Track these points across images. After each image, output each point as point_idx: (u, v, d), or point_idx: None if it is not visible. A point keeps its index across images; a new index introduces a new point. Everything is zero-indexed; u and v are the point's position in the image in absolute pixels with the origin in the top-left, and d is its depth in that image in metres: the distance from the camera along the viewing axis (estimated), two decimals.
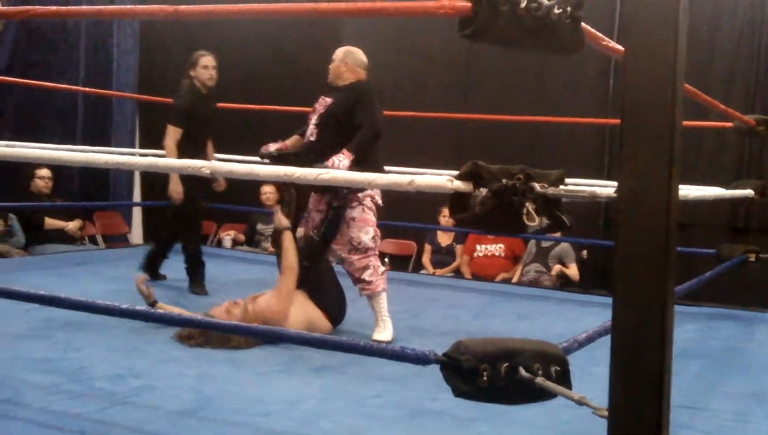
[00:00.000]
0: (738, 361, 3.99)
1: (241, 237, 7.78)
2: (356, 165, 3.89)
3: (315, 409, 2.97)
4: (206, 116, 5.29)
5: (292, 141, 4.44)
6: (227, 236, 7.79)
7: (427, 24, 6.67)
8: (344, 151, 3.97)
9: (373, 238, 4.19)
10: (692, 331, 4.56)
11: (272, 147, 4.36)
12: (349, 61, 4.26)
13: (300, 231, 4.51)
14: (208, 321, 3.26)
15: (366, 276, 4.13)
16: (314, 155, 4.05)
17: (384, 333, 4.11)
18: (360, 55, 4.31)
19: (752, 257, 4.90)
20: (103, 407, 2.85)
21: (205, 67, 5.18)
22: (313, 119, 4.24)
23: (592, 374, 2.22)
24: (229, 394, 3.08)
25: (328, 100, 4.22)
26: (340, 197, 4.07)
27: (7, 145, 5.04)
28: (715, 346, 4.25)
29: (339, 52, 4.32)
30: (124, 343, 3.67)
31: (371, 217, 4.19)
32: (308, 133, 4.25)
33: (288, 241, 4.11)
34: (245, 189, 6.88)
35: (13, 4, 7.19)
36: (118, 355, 3.50)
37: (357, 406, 3.02)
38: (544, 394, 1.85)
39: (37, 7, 2.64)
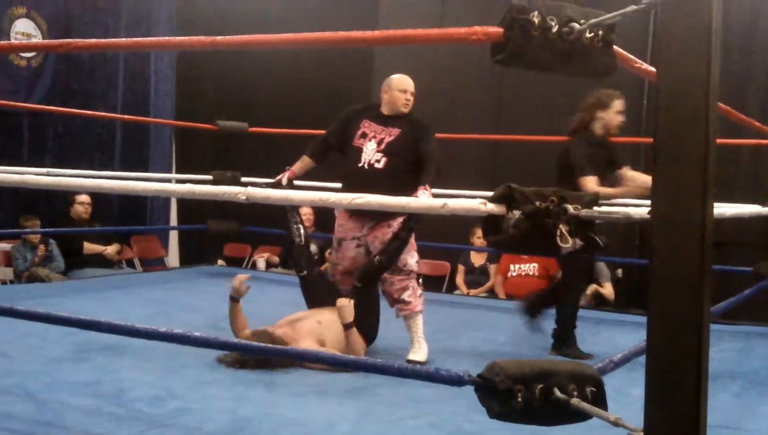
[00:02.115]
0: None
1: (276, 259, 7.84)
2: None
3: (351, 431, 2.98)
4: (610, 161, 4.48)
5: (300, 165, 4.51)
6: (261, 258, 7.86)
7: (459, 48, 6.70)
8: (426, 187, 3.97)
9: (417, 261, 4.26)
10: (730, 350, 4.50)
11: (284, 177, 4.44)
12: (414, 91, 4.30)
13: (330, 257, 4.51)
14: (246, 344, 3.30)
15: (405, 296, 4.16)
16: (386, 184, 4.02)
17: (419, 353, 4.11)
18: None
19: None
20: (142, 430, 2.88)
21: (619, 112, 4.42)
22: (373, 145, 4.19)
23: (629, 395, 2.22)
24: (265, 415, 3.10)
25: (393, 130, 4.21)
26: (407, 228, 4.11)
27: (48, 173, 5.15)
28: (753, 365, 4.19)
29: (409, 83, 4.29)
30: (161, 366, 3.71)
31: (414, 242, 4.25)
32: (368, 158, 4.19)
33: (355, 338, 3.97)
34: (280, 212, 6.94)
35: (55, 35, 7.39)
36: (156, 378, 3.55)
37: (392, 428, 3.02)
38: (580, 416, 1.85)
39: (77, 40, 2.71)
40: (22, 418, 2.94)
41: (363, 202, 2.35)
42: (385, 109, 4.30)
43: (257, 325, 4.00)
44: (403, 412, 3.19)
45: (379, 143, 4.19)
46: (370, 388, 3.49)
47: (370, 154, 4.19)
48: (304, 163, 4.51)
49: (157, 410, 3.10)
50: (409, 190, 3.84)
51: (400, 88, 4.26)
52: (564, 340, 4.46)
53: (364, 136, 4.25)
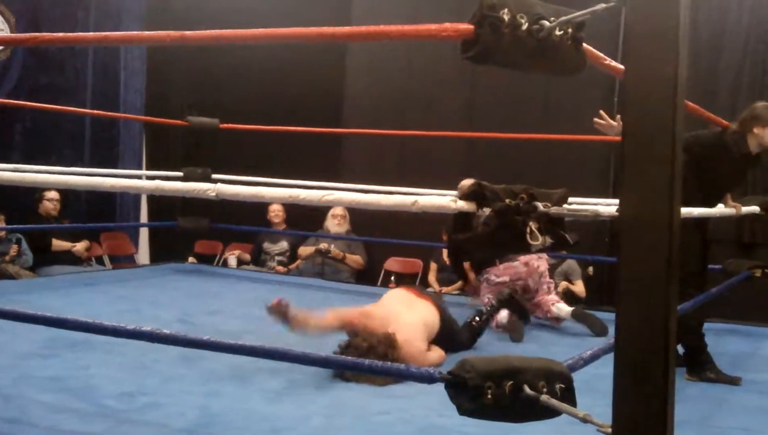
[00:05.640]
0: (744, 377, 3.98)
1: (247, 256, 7.81)
2: None
3: (322, 426, 2.97)
4: (729, 176, 4.16)
5: None
6: (232, 256, 7.82)
7: (431, 46, 6.71)
8: None
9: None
10: None
11: None
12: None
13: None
14: (220, 343, 3.26)
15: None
16: None
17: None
18: None
19: (758, 273, 4.89)
20: (110, 426, 2.86)
21: None
22: None
23: (598, 390, 2.22)
24: (235, 411, 3.09)
25: None
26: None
27: (15, 169, 5.06)
28: (721, 361, 4.23)
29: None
30: (131, 362, 3.68)
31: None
32: None
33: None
34: (251, 209, 6.91)
35: (23, 29, 7.29)
36: (126, 374, 3.51)
37: (364, 423, 3.02)
38: (549, 412, 1.86)
39: (45, 33, 2.68)
40: None
41: (333, 199, 2.35)
42: None
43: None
44: (375, 408, 3.19)
45: None
46: (343, 382, 3.49)
47: None
48: None
49: (125, 406, 3.08)
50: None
51: None
52: (700, 362, 3.99)
53: None
